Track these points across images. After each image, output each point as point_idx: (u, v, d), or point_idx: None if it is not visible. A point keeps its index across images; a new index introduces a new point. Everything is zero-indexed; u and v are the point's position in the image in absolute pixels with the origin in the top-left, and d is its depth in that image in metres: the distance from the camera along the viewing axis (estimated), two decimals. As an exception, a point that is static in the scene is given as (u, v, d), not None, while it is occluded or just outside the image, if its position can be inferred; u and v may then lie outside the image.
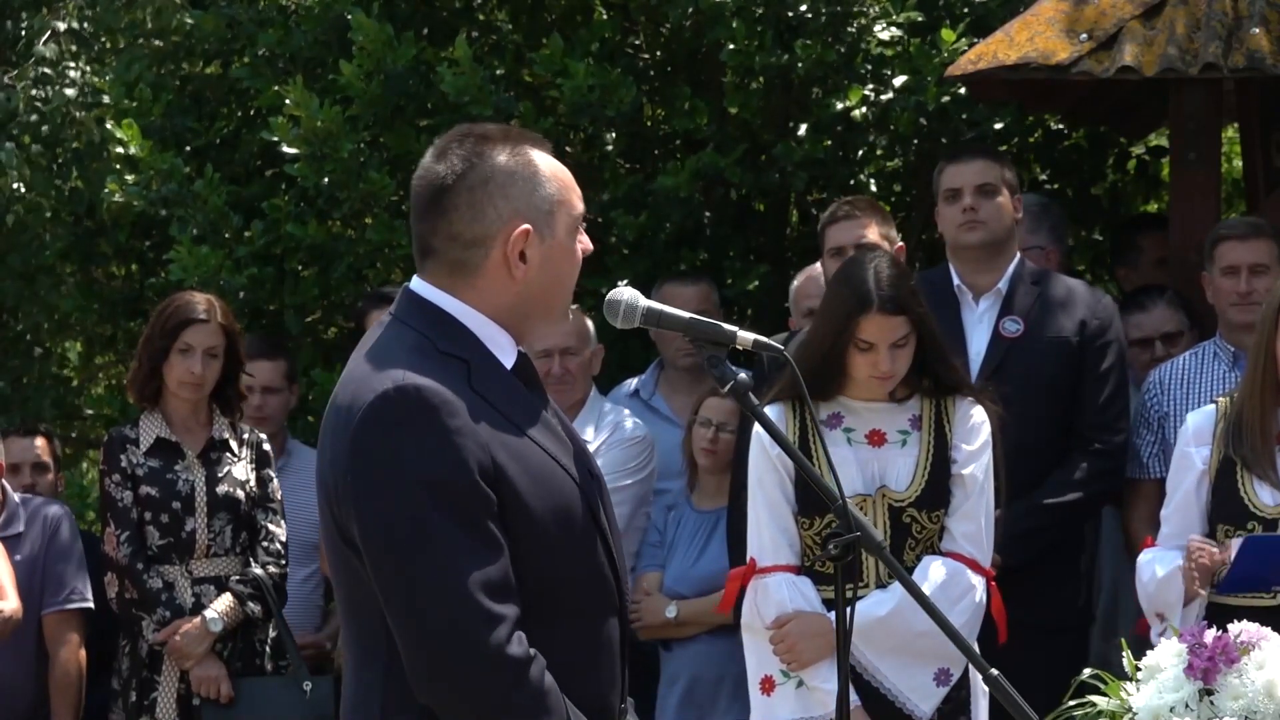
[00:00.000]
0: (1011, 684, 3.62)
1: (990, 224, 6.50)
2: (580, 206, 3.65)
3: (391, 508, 3.44)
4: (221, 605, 6.60)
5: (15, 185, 8.68)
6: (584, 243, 3.66)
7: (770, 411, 5.38)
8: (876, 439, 5.42)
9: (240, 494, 6.69)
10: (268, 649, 6.74)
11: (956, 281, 6.55)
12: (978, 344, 6.47)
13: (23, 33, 9.41)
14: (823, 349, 5.39)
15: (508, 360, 3.62)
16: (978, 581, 5.39)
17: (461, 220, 3.58)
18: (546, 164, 3.62)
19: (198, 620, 6.56)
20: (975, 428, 5.44)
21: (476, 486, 3.43)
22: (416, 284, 3.64)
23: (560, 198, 3.61)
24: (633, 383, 7.55)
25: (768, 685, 5.42)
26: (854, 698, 5.19)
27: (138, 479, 6.62)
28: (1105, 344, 6.50)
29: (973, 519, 5.40)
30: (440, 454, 3.42)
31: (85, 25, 9.25)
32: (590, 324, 7.13)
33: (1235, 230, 6.69)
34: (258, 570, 6.66)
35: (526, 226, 3.56)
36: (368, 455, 3.46)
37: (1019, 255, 6.62)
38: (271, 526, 6.74)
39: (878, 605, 5.25)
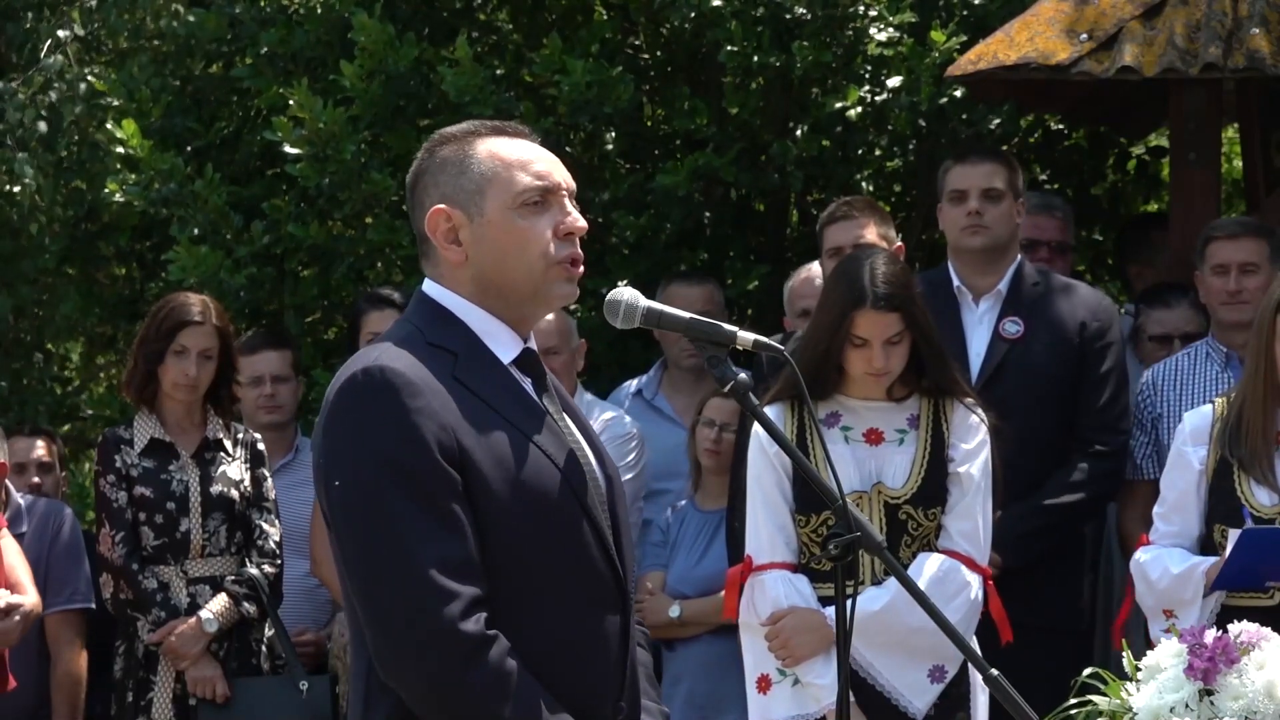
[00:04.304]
0: (1012, 684, 3.62)
1: (994, 229, 6.51)
2: (527, 181, 3.63)
3: (350, 484, 3.50)
4: (217, 605, 6.60)
5: (34, 195, 8.73)
6: (565, 221, 3.64)
7: (770, 411, 5.39)
8: (874, 437, 5.43)
9: (235, 494, 6.69)
10: (264, 648, 6.74)
11: (956, 283, 6.56)
12: (978, 345, 6.48)
13: (26, 38, 9.42)
14: (820, 345, 5.41)
15: (506, 354, 3.65)
16: (973, 579, 5.39)
17: (414, 218, 3.70)
18: (486, 147, 3.66)
19: (193, 621, 6.55)
20: (973, 427, 5.45)
21: (436, 465, 3.46)
22: (424, 283, 3.71)
23: (493, 175, 3.63)
24: (635, 383, 7.54)
25: (764, 684, 5.43)
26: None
27: (132, 479, 6.62)
28: (1106, 345, 6.50)
29: (969, 517, 5.41)
30: (398, 432, 3.47)
31: (94, 27, 9.28)
32: (572, 322, 7.13)
33: (1225, 229, 6.70)
34: (253, 570, 6.66)
35: (440, 207, 3.63)
36: (332, 435, 3.55)
37: (1020, 257, 6.63)
38: (266, 526, 6.74)
39: (871, 601, 5.26)
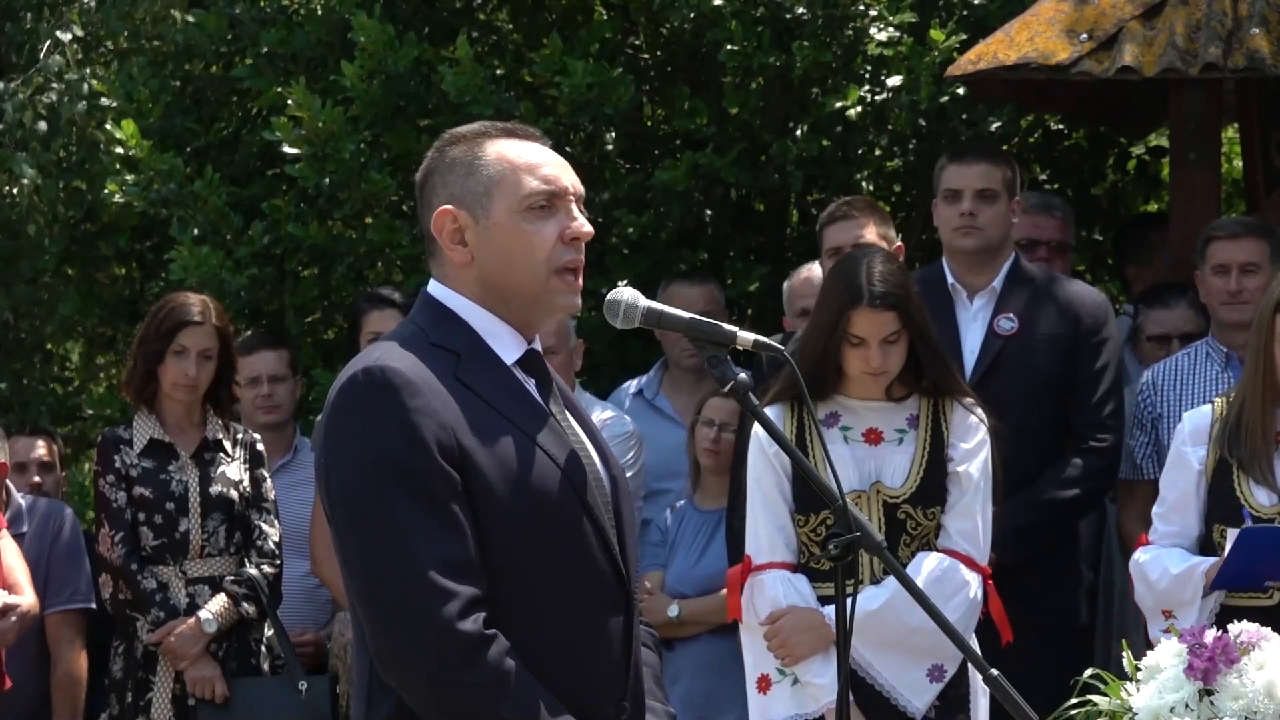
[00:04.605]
0: (1012, 684, 3.62)
1: (987, 230, 6.50)
2: (535, 185, 3.62)
3: (350, 483, 3.51)
4: (216, 606, 6.60)
5: (31, 194, 8.74)
6: (570, 227, 3.64)
7: (770, 411, 5.38)
8: (873, 437, 5.43)
9: (234, 494, 6.69)
10: (263, 649, 6.74)
11: (950, 280, 6.56)
12: (972, 342, 6.47)
13: (25, 38, 9.43)
14: (818, 345, 5.41)
15: (510, 354, 3.66)
16: (972, 578, 5.39)
17: (422, 217, 3.70)
18: (495, 149, 3.65)
19: (192, 621, 6.55)
20: (972, 427, 5.45)
21: (436, 465, 3.47)
22: (429, 283, 3.71)
23: (500, 178, 3.63)
24: (635, 383, 7.54)
25: (764, 684, 5.43)
26: (846, 692, 5.19)
27: (132, 480, 6.62)
28: (1100, 342, 6.49)
29: (968, 516, 5.41)
30: (397, 432, 3.47)
31: (94, 28, 9.28)
32: (570, 321, 7.13)
33: (1226, 229, 6.71)
34: (252, 570, 6.66)
35: (446, 208, 3.63)
36: (333, 434, 3.56)
37: (1014, 254, 6.63)
38: (265, 526, 6.74)
39: (870, 599, 5.26)
